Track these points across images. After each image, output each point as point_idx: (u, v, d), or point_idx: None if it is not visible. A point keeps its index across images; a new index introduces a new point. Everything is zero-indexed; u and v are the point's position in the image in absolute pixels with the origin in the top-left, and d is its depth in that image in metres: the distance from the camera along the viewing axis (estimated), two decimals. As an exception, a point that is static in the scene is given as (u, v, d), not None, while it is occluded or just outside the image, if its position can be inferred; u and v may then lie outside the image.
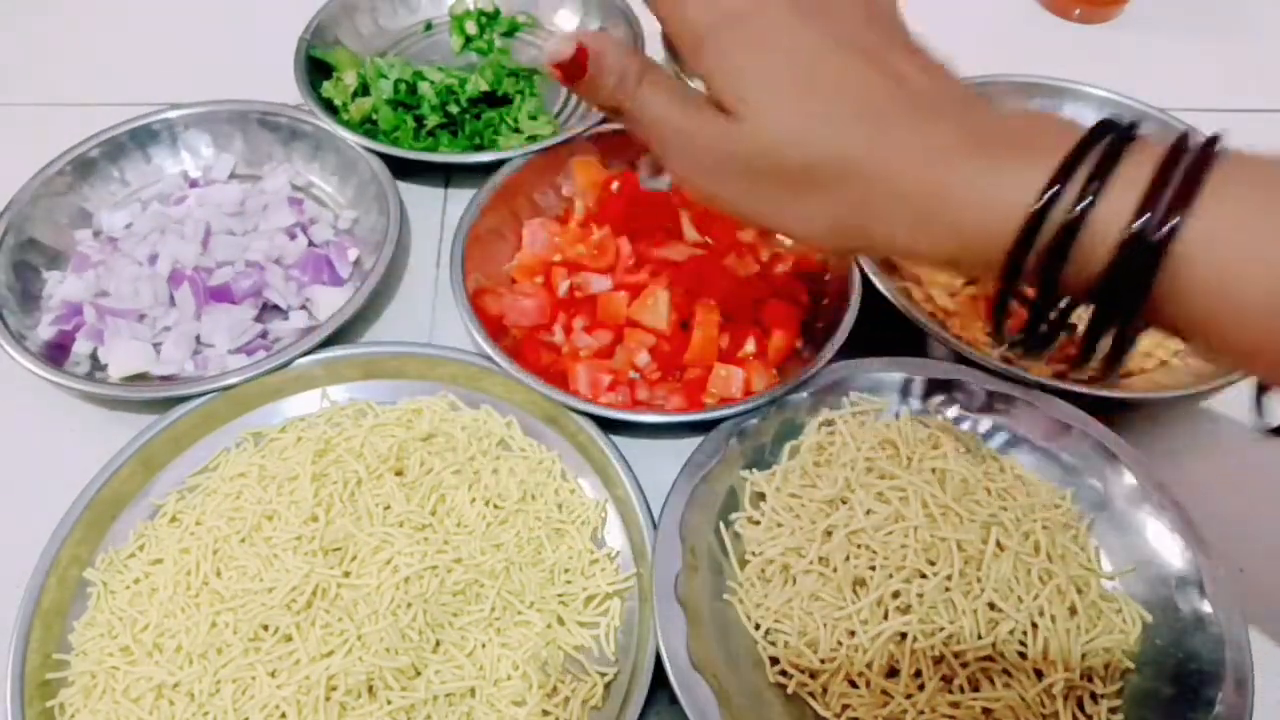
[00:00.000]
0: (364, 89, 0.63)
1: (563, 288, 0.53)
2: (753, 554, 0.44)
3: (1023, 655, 0.40)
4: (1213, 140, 0.28)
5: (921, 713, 0.39)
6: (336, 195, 0.61)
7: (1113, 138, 0.29)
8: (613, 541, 0.46)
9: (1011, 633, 0.41)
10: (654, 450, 0.48)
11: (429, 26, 0.73)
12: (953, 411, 0.49)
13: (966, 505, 0.43)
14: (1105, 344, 0.31)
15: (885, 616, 0.41)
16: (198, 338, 0.52)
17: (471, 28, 0.71)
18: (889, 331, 0.52)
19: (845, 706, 0.40)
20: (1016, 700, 0.39)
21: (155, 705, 0.40)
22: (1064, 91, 0.62)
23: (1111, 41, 0.75)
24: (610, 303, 0.51)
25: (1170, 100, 0.60)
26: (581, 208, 0.56)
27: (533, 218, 0.57)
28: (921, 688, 0.40)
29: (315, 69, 0.64)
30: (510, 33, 0.72)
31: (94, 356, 0.52)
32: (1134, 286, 0.28)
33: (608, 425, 0.48)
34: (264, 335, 0.53)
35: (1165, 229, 0.27)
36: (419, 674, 0.41)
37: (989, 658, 0.40)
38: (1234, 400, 0.52)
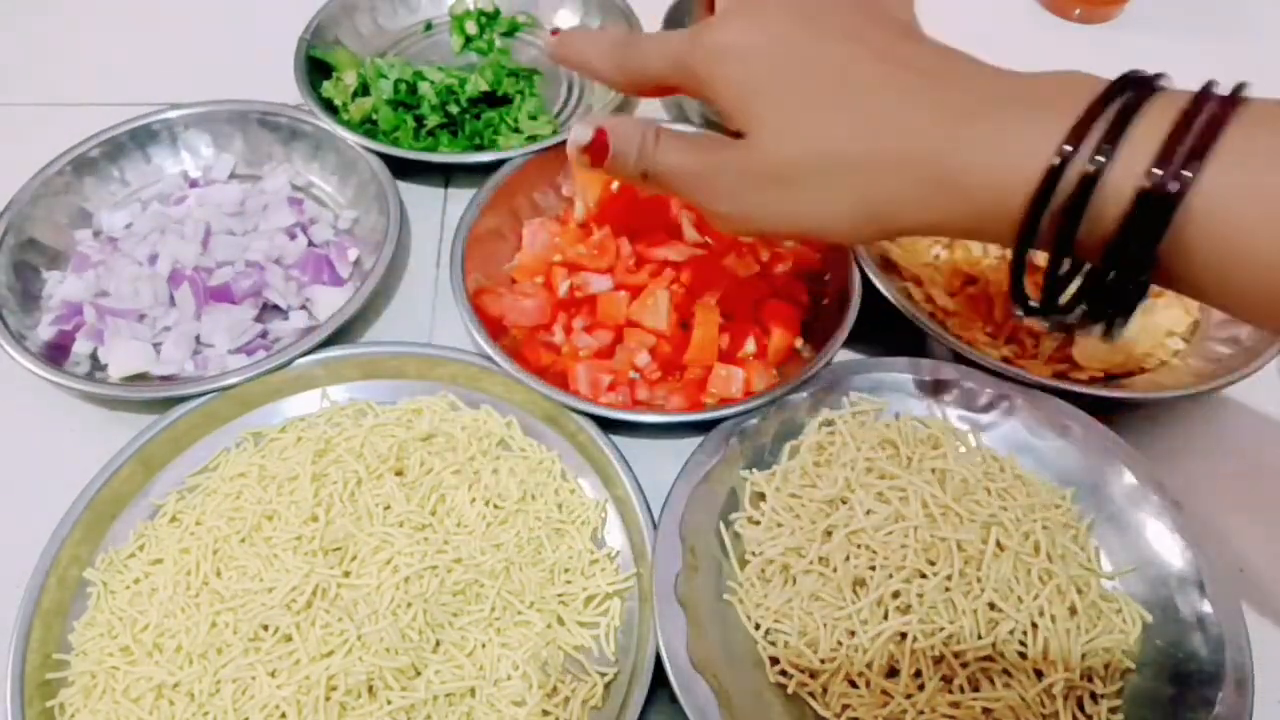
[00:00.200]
0: (364, 89, 0.63)
1: (563, 288, 0.53)
2: (753, 554, 0.44)
3: (1023, 655, 0.40)
4: (1237, 89, 0.28)
5: (921, 713, 0.39)
6: (336, 195, 0.61)
7: (1134, 90, 0.28)
8: (613, 541, 0.46)
9: (1011, 633, 0.41)
10: (654, 450, 0.48)
11: (429, 26, 0.73)
12: (953, 411, 0.49)
13: (966, 505, 0.43)
14: (1111, 303, 0.30)
15: (885, 616, 0.41)
16: (198, 338, 0.52)
17: (471, 28, 0.71)
18: (889, 331, 0.52)
19: (845, 706, 0.40)
20: (1016, 700, 0.39)
21: (155, 705, 0.40)
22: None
23: (1111, 41, 0.75)
24: (610, 303, 0.51)
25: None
26: (581, 208, 0.56)
27: (533, 218, 0.57)
28: (921, 688, 0.40)
29: (315, 69, 0.64)
30: (510, 33, 0.72)
31: (94, 356, 0.52)
32: (1145, 242, 0.28)
33: (608, 425, 0.48)
34: (264, 335, 0.53)
35: (1178, 183, 0.26)
36: (419, 674, 0.41)
37: (989, 658, 0.40)
38: (1234, 400, 0.52)
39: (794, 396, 0.48)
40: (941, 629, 0.40)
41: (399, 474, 0.46)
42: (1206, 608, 0.41)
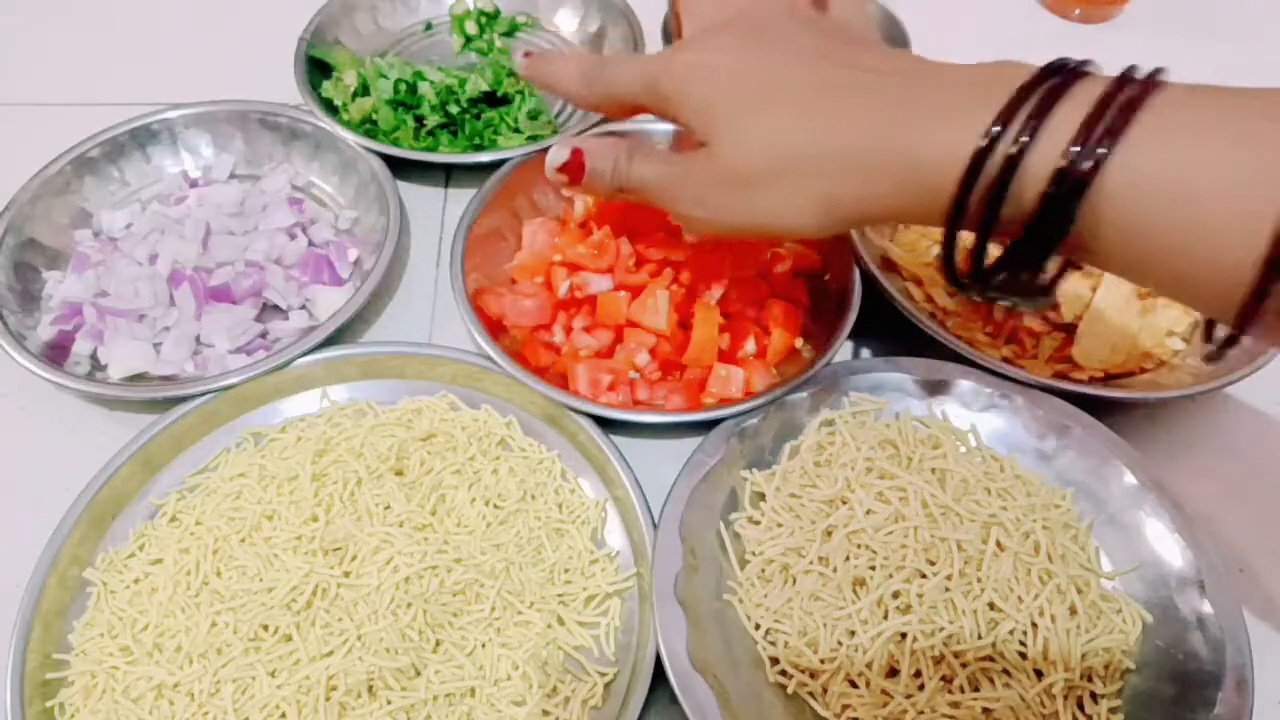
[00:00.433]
0: (364, 89, 0.63)
1: (563, 288, 0.53)
2: (753, 554, 0.44)
3: (1023, 655, 0.40)
4: (1154, 73, 0.30)
5: (921, 713, 0.39)
6: (336, 195, 0.61)
7: (1060, 76, 0.30)
8: (613, 541, 0.46)
9: (1011, 633, 0.41)
10: (654, 450, 0.48)
11: (429, 26, 0.73)
12: (953, 411, 0.49)
13: (966, 505, 0.43)
14: (1027, 275, 0.33)
15: (885, 616, 0.41)
16: (198, 338, 0.52)
17: (471, 28, 0.71)
18: (889, 331, 0.52)
19: (845, 706, 0.40)
20: (1016, 700, 0.40)
21: (155, 705, 0.40)
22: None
23: (1111, 41, 0.75)
24: (610, 303, 0.51)
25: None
26: (581, 207, 0.56)
27: (533, 218, 0.57)
28: (921, 688, 0.40)
29: (315, 69, 0.64)
30: (510, 33, 0.72)
31: (94, 356, 0.52)
32: (1061, 218, 0.30)
33: (608, 425, 0.48)
34: (264, 335, 0.53)
35: (1092, 161, 0.28)
36: (419, 674, 0.41)
37: (989, 658, 0.40)
38: (1234, 400, 0.52)
39: (794, 396, 0.48)
40: (941, 629, 0.40)
41: (399, 474, 0.46)
42: (1206, 608, 0.41)
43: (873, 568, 0.42)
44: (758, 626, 0.42)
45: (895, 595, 0.41)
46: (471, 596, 0.43)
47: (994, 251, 0.33)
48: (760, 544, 0.44)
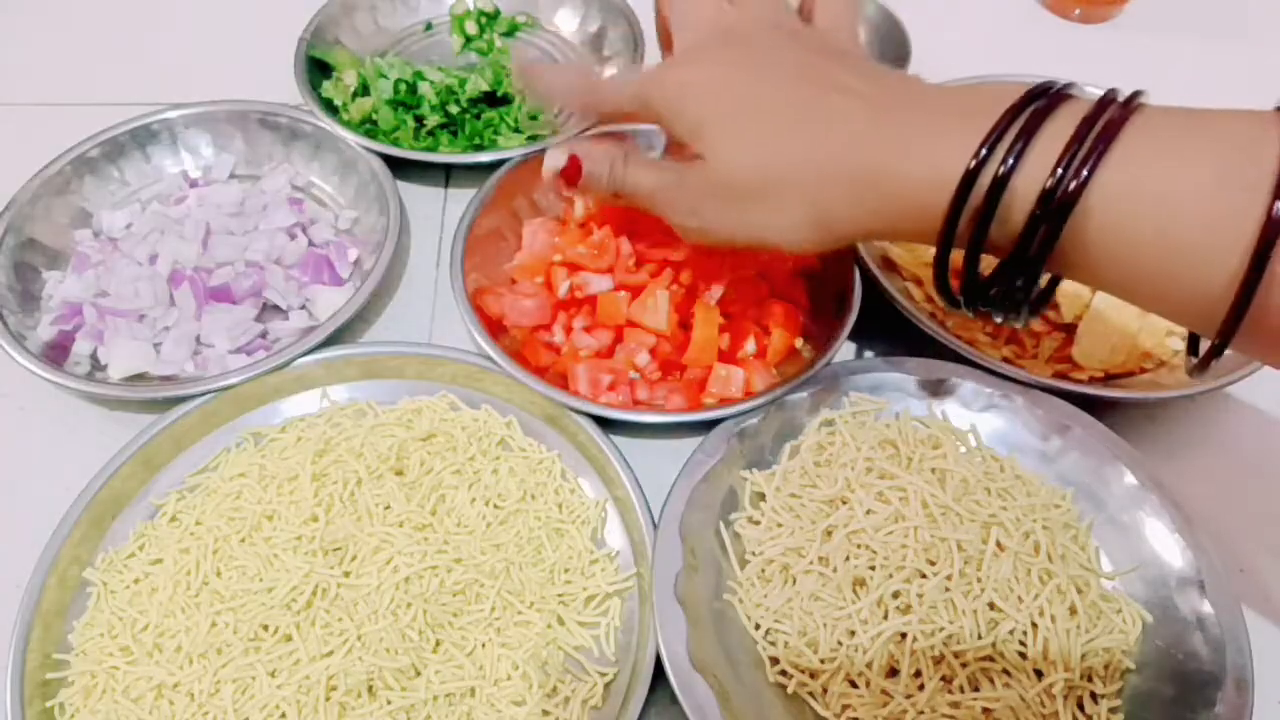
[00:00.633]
0: (364, 89, 0.63)
1: (563, 288, 0.53)
2: (753, 554, 0.44)
3: (1023, 655, 0.40)
4: (1133, 97, 0.31)
5: (921, 713, 0.39)
6: (336, 195, 0.61)
7: (1045, 99, 0.32)
8: (613, 541, 0.46)
9: (1011, 633, 0.41)
10: (654, 450, 0.48)
11: (429, 26, 0.73)
12: (953, 411, 0.49)
13: (966, 505, 0.43)
14: (1020, 292, 0.34)
15: (885, 616, 0.41)
16: (198, 338, 0.52)
17: (471, 28, 0.71)
18: (889, 331, 0.52)
19: (845, 706, 0.40)
20: (1016, 700, 0.39)
21: (155, 705, 0.40)
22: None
23: (1112, 41, 0.75)
24: (610, 303, 0.51)
25: (1170, 100, 0.60)
26: (581, 207, 0.56)
27: (533, 218, 0.57)
28: (921, 688, 0.40)
29: (315, 69, 0.64)
30: (510, 33, 0.72)
31: (94, 356, 0.52)
32: (1047, 236, 0.31)
33: (608, 425, 0.48)
34: (264, 335, 0.53)
35: (1076, 182, 0.29)
36: (419, 674, 0.41)
37: (989, 658, 0.40)
38: (1234, 400, 0.52)
39: (794, 396, 0.48)
40: (941, 629, 0.40)
41: (399, 474, 0.46)
42: (1206, 608, 0.41)
43: (873, 568, 0.42)
44: (758, 626, 0.42)
45: (895, 595, 0.41)
46: (471, 596, 0.43)
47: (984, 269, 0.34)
48: (760, 544, 0.44)
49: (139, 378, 0.50)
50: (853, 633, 0.41)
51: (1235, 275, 0.28)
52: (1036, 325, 0.52)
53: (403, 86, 0.63)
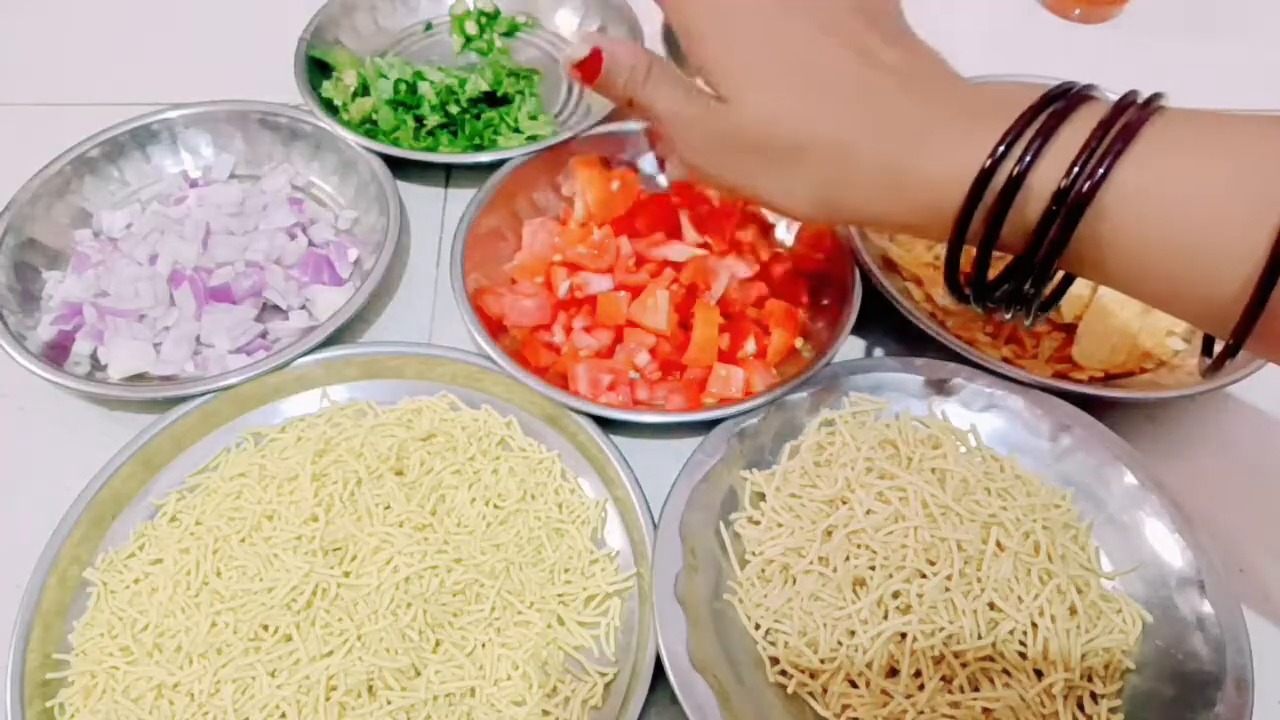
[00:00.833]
0: (364, 89, 0.63)
1: (563, 288, 0.53)
2: (753, 554, 0.44)
3: (1023, 655, 0.40)
4: (1153, 99, 0.31)
5: (921, 713, 0.39)
6: (336, 195, 0.61)
7: (1064, 100, 0.32)
8: (613, 541, 0.46)
9: (1011, 633, 0.41)
10: (654, 450, 0.48)
11: (429, 26, 0.73)
12: (953, 411, 0.49)
13: (967, 505, 0.43)
14: (1030, 290, 0.34)
15: (885, 616, 0.41)
16: (198, 338, 0.52)
17: (471, 28, 0.71)
18: (889, 331, 0.52)
19: (845, 706, 0.40)
20: (1016, 700, 0.39)
21: (155, 705, 0.40)
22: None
23: (1112, 41, 0.75)
24: (610, 303, 0.51)
25: (1170, 99, 0.60)
26: (581, 207, 0.56)
27: (533, 217, 0.57)
28: (921, 688, 0.40)
29: (315, 69, 0.64)
30: (510, 33, 0.72)
31: (94, 357, 0.52)
32: (1060, 235, 0.31)
33: (608, 425, 0.48)
34: (264, 335, 0.53)
35: (1090, 182, 0.29)
36: (419, 674, 0.41)
37: (989, 658, 0.40)
38: (1234, 400, 0.52)
39: (794, 396, 0.48)
40: (941, 629, 0.40)
41: (399, 474, 0.46)
42: (1206, 608, 0.41)
43: (873, 568, 0.42)
44: (758, 626, 0.42)
45: (895, 595, 0.41)
46: (471, 596, 0.43)
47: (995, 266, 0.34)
48: (760, 544, 0.44)
49: (139, 378, 0.50)
50: (853, 633, 0.41)
51: (1250, 277, 0.28)
52: (1037, 325, 0.52)
53: (403, 86, 0.63)
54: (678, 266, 0.53)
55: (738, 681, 0.40)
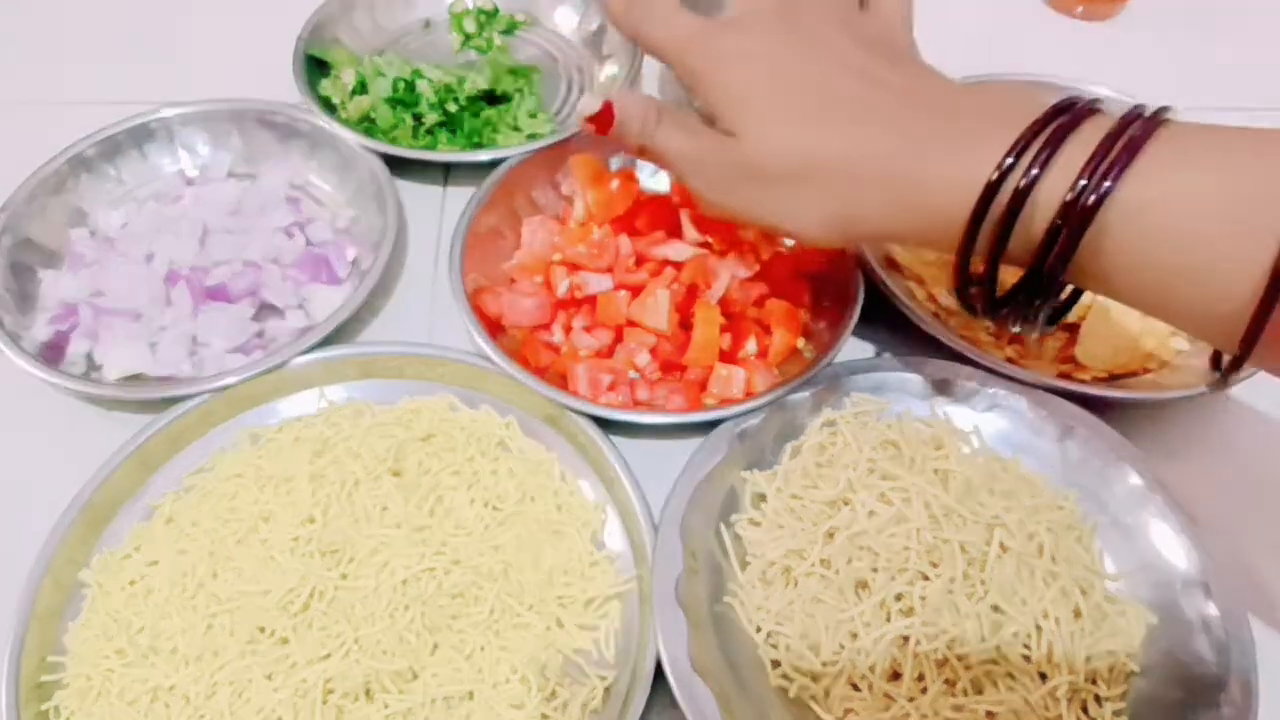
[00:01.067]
0: (362, 87, 0.63)
1: (562, 287, 0.52)
2: (754, 556, 0.44)
3: (1026, 658, 0.40)
4: (1159, 112, 0.31)
5: (925, 716, 0.39)
6: (334, 194, 0.60)
7: (1070, 113, 0.32)
8: (613, 543, 0.46)
9: (1015, 635, 0.40)
10: (654, 450, 0.48)
11: (427, 24, 0.72)
12: (956, 412, 0.48)
13: (969, 507, 0.43)
14: (1038, 304, 0.35)
15: (888, 619, 0.41)
16: (194, 338, 0.52)
17: (470, 26, 0.71)
18: (891, 331, 0.52)
19: (848, 710, 0.40)
20: (1020, 703, 0.39)
21: (151, 708, 0.39)
22: (1066, 90, 0.61)
23: (1114, 39, 0.74)
24: (610, 303, 0.51)
25: (1172, 98, 0.59)
26: (581, 206, 0.56)
27: (532, 216, 0.56)
28: (924, 691, 0.39)
29: (313, 67, 0.64)
30: (509, 31, 0.72)
31: (90, 356, 0.51)
32: (1066, 248, 0.31)
33: (608, 425, 0.47)
34: (261, 335, 0.53)
35: (1096, 195, 0.30)
36: (416, 677, 0.40)
37: (992, 661, 0.40)
38: (1238, 400, 0.52)
39: (795, 396, 0.47)
40: (944, 632, 0.40)
41: (397, 475, 0.46)
42: (1211, 610, 0.41)
43: (875, 570, 0.42)
44: (759, 629, 0.42)
45: (898, 598, 0.41)
46: (470, 599, 0.42)
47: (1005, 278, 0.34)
48: (761, 546, 0.44)
49: (135, 378, 0.50)
50: (855, 635, 0.40)
51: (1255, 291, 0.28)
52: (1045, 336, 0.52)
53: (401, 85, 0.63)
54: (678, 266, 0.52)
55: (739, 685, 0.40)
